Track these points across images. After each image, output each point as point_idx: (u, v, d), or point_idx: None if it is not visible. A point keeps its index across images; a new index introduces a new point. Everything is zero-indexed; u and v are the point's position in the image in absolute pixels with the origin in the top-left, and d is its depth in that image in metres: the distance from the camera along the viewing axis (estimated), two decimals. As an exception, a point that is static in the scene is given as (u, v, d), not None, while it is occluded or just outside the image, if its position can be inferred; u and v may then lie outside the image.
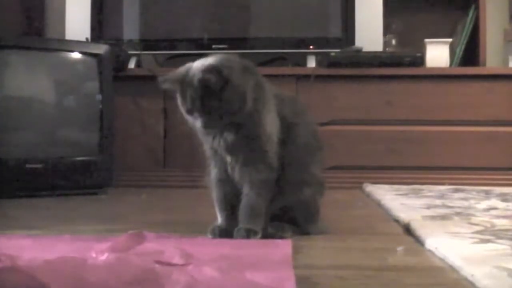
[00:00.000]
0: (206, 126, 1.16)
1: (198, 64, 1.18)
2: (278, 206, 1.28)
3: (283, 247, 1.10)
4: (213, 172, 1.27)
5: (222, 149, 1.21)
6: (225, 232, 1.22)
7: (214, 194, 1.27)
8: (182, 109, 1.19)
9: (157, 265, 0.89)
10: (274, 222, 1.28)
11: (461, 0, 2.83)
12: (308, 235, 1.30)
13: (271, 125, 1.22)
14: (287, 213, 1.30)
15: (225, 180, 1.25)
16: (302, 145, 1.28)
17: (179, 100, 1.19)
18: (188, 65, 1.20)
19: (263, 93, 1.22)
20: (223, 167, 1.24)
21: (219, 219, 1.26)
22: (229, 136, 1.19)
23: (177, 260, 0.92)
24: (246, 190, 1.22)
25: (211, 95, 1.13)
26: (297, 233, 1.29)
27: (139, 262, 0.89)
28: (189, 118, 1.19)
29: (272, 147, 1.22)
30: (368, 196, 2.12)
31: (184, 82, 1.16)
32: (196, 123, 1.17)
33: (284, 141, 1.25)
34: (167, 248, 0.99)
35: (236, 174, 1.23)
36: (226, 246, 1.11)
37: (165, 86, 1.20)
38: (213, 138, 1.21)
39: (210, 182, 1.28)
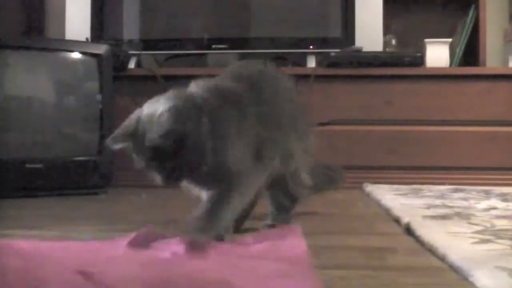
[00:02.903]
0: (166, 183, 1.08)
1: (148, 117, 1.05)
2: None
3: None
4: None
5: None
6: None
7: None
8: (139, 165, 1.08)
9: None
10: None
11: (461, 0, 2.83)
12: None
13: (239, 150, 1.12)
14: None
15: None
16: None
17: (133, 156, 1.08)
18: (136, 115, 1.07)
19: (223, 127, 1.09)
20: None
21: None
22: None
23: None
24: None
25: (167, 156, 1.04)
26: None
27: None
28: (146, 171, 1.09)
29: (247, 163, 1.13)
30: (368, 196, 2.12)
31: (135, 139, 1.06)
32: (156, 178, 1.08)
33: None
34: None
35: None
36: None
37: (116, 146, 1.08)
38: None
39: None
